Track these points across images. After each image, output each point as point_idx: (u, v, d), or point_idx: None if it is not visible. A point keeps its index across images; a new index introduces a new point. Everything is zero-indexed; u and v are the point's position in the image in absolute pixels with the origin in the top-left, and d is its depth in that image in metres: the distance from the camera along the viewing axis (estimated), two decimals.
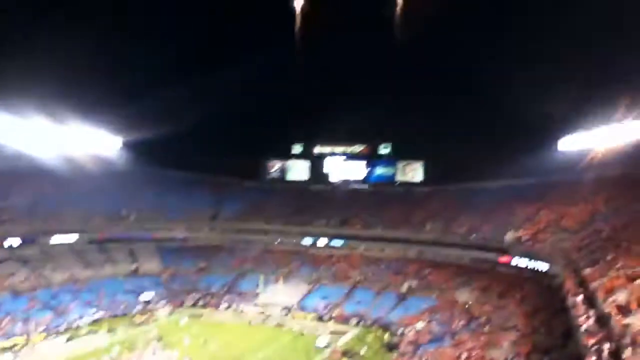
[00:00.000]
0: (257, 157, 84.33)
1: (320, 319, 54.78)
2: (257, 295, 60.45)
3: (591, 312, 24.57)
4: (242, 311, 57.47)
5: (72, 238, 63.04)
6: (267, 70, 71.85)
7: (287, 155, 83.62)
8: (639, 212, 41.01)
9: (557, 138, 55.13)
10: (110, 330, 47.61)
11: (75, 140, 59.15)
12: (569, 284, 31.65)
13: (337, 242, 69.92)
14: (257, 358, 41.19)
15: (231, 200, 79.33)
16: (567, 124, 52.60)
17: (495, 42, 60.03)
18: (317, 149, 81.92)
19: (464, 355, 34.54)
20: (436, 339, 42.54)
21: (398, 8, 62.42)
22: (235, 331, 49.49)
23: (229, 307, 58.74)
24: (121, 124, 63.09)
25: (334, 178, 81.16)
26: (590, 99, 46.22)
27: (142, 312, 54.88)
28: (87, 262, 62.16)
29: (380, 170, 79.12)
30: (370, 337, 47.06)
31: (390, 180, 78.34)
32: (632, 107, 42.39)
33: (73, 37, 56.40)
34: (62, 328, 47.72)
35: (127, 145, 66.87)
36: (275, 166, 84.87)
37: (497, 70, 58.73)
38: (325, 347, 43.93)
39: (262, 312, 56.27)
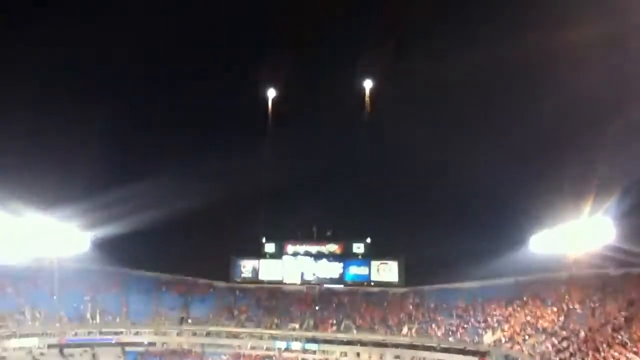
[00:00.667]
0: (228, 257, 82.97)
1: None
2: None
3: None
4: None
5: (31, 342, 59.75)
6: (237, 169, 72.48)
7: (258, 254, 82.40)
8: (614, 313, 40.99)
9: (528, 238, 55.76)
10: None
11: (39, 236, 57.65)
12: None
13: (311, 346, 67.57)
14: None
15: (200, 302, 76.24)
16: (538, 224, 53.45)
17: (466, 143, 62.01)
18: (290, 248, 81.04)
19: None
20: None
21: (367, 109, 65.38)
22: None
23: None
24: (87, 220, 62.00)
25: (307, 278, 79.78)
26: (560, 198, 47.38)
27: None
28: None
29: (354, 270, 78.10)
30: None
31: (364, 279, 77.29)
32: (601, 205, 43.51)
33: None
34: None
35: (94, 243, 65.35)
36: (246, 266, 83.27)
37: (470, 172, 60.23)
38: None
39: None
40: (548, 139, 53.80)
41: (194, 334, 71.22)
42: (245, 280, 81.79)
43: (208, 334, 71.11)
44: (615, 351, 30.16)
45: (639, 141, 36.92)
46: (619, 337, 33.52)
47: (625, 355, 28.11)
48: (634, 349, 28.46)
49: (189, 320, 72.16)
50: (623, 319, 38.12)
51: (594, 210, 44.33)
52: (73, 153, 63.71)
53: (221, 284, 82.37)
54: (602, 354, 31.39)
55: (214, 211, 75.68)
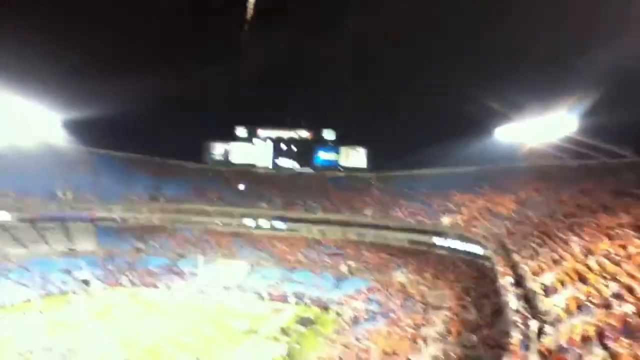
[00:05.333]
0: (201, 139, 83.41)
1: (260, 299, 54.94)
2: (196, 275, 59.96)
3: (519, 293, 25.95)
4: (180, 291, 56.50)
5: (5, 216, 60.91)
6: (214, 56, 71.12)
7: (231, 138, 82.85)
8: (567, 201, 43.40)
9: (493, 128, 57.03)
10: (43, 310, 46.04)
11: (11, 117, 56.24)
12: (500, 267, 33.21)
13: (279, 225, 70.54)
14: (192, 338, 40.83)
15: (173, 182, 77.75)
16: (503, 115, 54.46)
17: (436, 38, 61.48)
18: (262, 133, 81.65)
19: (399, 334, 35.80)
20: (373, 318, 43.84)
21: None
22: (172, 311, 48.66)
23: (167, 287, 57.74)
24: (61, 100, 60.56)
25: (278, 162, 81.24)
26: (526, 92, 48.11)
27: (77, 291, 53.32)
28: (21, 241, 59.89)
29: (324, 155, 79.82)
30: (309, 316, 47.74)
31: (333, 165, 79.22)
32: (565, 101, 44.52)
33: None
34: None
35: (66, 124, 64.37)
36: (218, 149, 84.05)
37: (439, 64, 60.28)
38: (251, 330, 43.61)
39: (201, 292, 55.58)
40: (516, 40, 53.43)
41: (165, 211, 73.22)
42: (217, 163, 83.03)
43: (179, 211, 73.12)
44: (563, 235, 32.31)
45: (604, 40, 37.12)
46: (569, 222, 35.72)
47: (572, 238, 30.23)
48: (581, 234, 30.55)
49: (161, 199, 73.73)
50: (575, 206, 40.43)
51: (558, 106, 45.43)
52: (49, 36, 61.27)
53: (193, 165, 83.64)
54: (551, 237, 33.62)
55: (188, 97, 75.07)
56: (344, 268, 60.39)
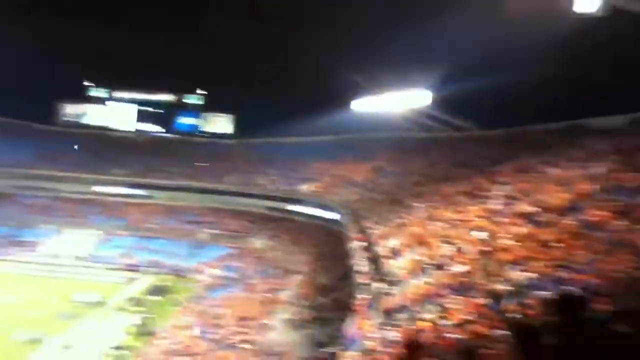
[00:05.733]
0: (52, 99, 75.92)
1: (113, 269, 52.25)
2: (43, 245, 55.67)
3: (367, 256, 27.26)
4: (25, 262, 51.69)
5: None
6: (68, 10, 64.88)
7: (85, 98, 76.59)
8: (417, 170, 46.33)
9: (353, 99, 58.82)
10: None
11: None
12: (351, 232, 34.69)
13: (136, 191, 67.35)
14: (35, 312, 37.90)
15: (17, 145, 69.14)
16: (363, 88, 56.30)
17: (300, 13, 61.58)
18: (120, 94, 76.47)
19: (255, 299, 36.23)
20: (230, 285, 43.97)
21: None
22: (13, 283, 44.63)
23: (9, 258, 52.51)
24: None
25: (136, 125, 76.92)
26: (382, 66, 50.05)
27: None
28: None
29: (186, 120, 76.93)
30: (165, 284, 46.73)
31: (196, 130, 76.82)
32: (419, 75, 47.01)
33: None
34: None
35: None
36: (71, 110, 77.31)
37: (302, 37, 60.51)
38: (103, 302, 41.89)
39: (48, 264, 51.57)
40: (374, 14, 54.93)
41: (8, 176, 65.94)
42: (70, 125, 76.46)
43: (24, 176, 66.51)
44: (409, 202, 34.46)
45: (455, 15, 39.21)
46: (416, 190, 38.22)
47: (417, 205, 32.28)
48: (425, 201, 32.70)
49: (2, 163, 66.26)
50: (422, 176, 43.29)
51: (412, 79, 47.88)
52: None
53: (42, 127, 76.12)
54: (399, 204, 35.76)
55: (38, 51, 67.24)
56: (202, 235, 59.70)
